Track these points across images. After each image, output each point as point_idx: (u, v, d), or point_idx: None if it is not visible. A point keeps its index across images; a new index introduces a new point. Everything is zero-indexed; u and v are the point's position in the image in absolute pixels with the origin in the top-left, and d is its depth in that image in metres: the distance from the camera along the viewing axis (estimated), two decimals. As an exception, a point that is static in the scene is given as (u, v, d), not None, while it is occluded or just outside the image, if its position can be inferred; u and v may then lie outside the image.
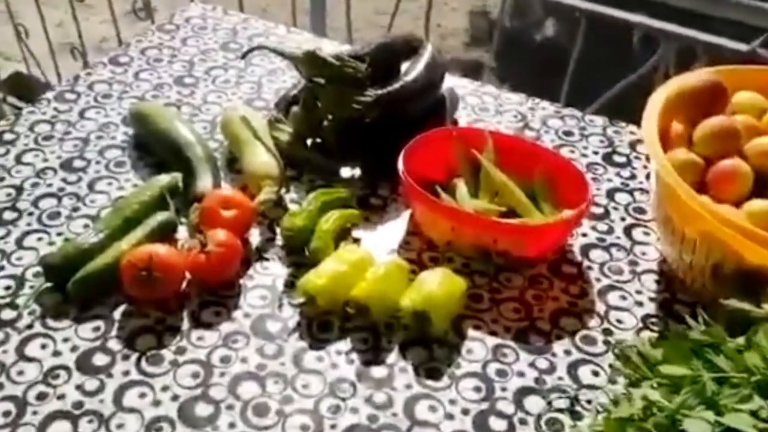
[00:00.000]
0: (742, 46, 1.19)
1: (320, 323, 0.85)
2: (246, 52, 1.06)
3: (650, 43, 1.35)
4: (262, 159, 1.00)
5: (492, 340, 0.85)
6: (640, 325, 0.87)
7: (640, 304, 0.89)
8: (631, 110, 1.41)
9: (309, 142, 1.07)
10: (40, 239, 0.94)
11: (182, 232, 0.95)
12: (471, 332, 0.86)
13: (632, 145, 1.13)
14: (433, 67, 1.09)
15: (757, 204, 0.81)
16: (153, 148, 1.06)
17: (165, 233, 0.92)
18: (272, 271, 0.91)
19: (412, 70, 1.08)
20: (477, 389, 0.80)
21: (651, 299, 0.90)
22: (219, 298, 0.87)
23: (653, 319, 0.88)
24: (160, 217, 0.92)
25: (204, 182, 0.98)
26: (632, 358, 0.71)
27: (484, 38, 3.40)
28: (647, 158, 1.10)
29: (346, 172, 1.06)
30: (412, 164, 0.96)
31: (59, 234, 0.95)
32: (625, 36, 1.47)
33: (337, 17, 2.16)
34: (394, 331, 0.85)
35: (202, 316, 0.85)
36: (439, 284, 0.84)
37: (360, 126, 1.04)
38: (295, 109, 1.06)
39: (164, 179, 0.96)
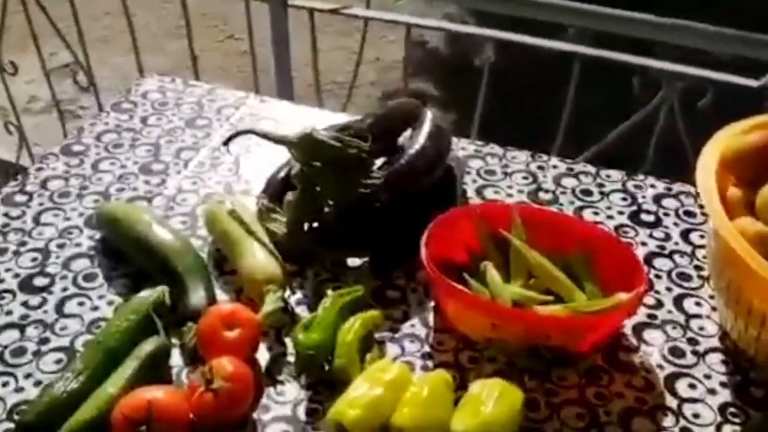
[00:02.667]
0: (752, 82, 1.13)
1: (359, 460, 0.72)
2: (229, 138, 0.92)
3: (649, 84, 1.28)
4: (261, 260, 0.87)
5: (560, 458, 0.73)
6: (719, 418, 0.76)
7: (713, 392, 0.79)
8: (632, 157, 1.34)
9: (306, 228, 0.94)
10: (5, 384, 0.78)
11: (176, 358, 0.81)
12: (535, 450, 0.74)
13: (657, 200, 1.04)
14: (438, 135, 0.98)
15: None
16: (128, 255, 0.91)
17: (157, 365, 0.77)
18: (289, 397, 0.78)
19: (415, 143, 0.96)
20: None
21: (723, 384, 0.80)
22: (234, 442, 0.73)
23: (732, 409, 0.77)
24: (150, 346, 0.77)
25: (197, 296, 0.83)
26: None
27: (424, 68, 3.35)
28: (677, 214, 1.01)
29: (352, 261, 0.94)
30: (431, 250, 0.84)
31: (27, 376, 0.79)
32: (621, 76, 1.41)
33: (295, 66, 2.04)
34: (447, 460, 0.72)
35: (217, 466, 0.71)
36: (495, 402, 0.71)
37: (366, 210, 0.91)
38: (289, 196, 0.93)
39: (148, 297, 0.82)
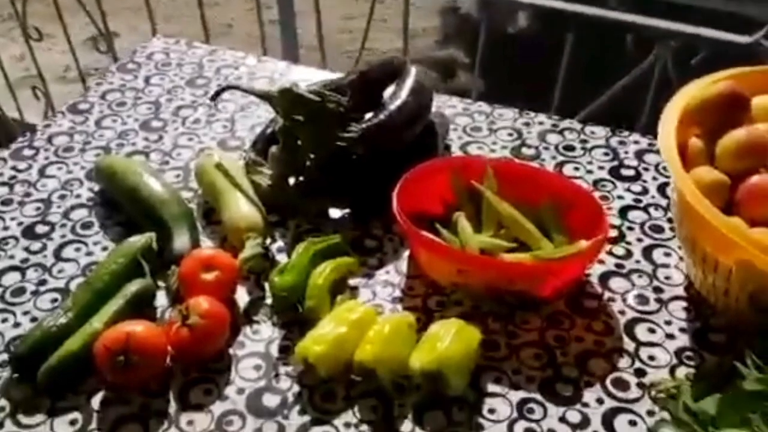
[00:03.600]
0: (745, 39, 1.12)
1: (323, 393, 0.77)
2: (215, 93, 0.97)
3: (644, 43, 1.28)
4: (243, 210, 0.91)
5: (515, 395, 0.76)
6: (675, 361, 0.79)
7: (671, 336, 0.82)
8: (627, 115, 1.34)
9: (291, 181, 0.99)
10: (4, 320, 0.84)
11: (161, 299, 0.86)
12: (491, 387, 0.77)
13: (639, 156, 1.05)
14: (419, 91, 1.01)
15: (794, 221, 0.73)
16: (122, 205, 0.97)
17: (142, 304, 0.83)
18: (264, 335, 0.83)
19: (396, 98, 0.99)
20: (505, 455, 0.71)
21: (682, 330, 0.82)
22: (208, 374, 0.78)
23: (688, 353, 0.80)
24: (135, 286, 0.83)
25: (181, 242, 0.88)
26: (680, 416, 0.64)
27: (456, 35, 3.33)
28: (657, 168, 1.03)
29: (334, 212, 0.98)
30: (406, 201, 0.88)
31: (25, 313, 0.85)
32: (616, 36, 1.40)
33: (306, 32, 2.07)
34: (406, 394, 0.76)
35: (191, 396, 0.76)
36: (451, 339, 0.75)
37: (346, 163, 0.95)
38: (273, 149, 0.97)
39: (136, 242, 0.87)
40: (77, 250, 0.93)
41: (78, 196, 1.01)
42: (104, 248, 0.93)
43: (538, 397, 0.76)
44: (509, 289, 0.83)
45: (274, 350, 0.81)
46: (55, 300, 0.86)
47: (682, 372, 0.78)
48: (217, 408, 0.75)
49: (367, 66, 1.04)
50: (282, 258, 0.91)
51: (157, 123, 1.14)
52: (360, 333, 0.78)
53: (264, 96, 0.96)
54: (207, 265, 0.83)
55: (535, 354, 0.80)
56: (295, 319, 0.83)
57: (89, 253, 0.92)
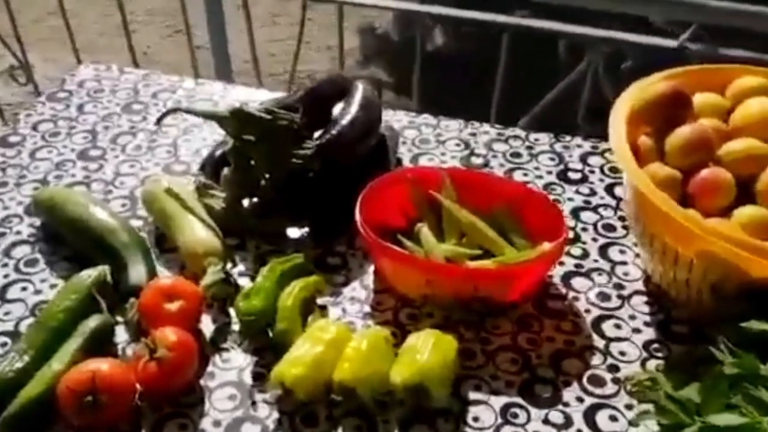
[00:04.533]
0: (671, 43, 1.18)
1: (303, 417, 0.75)
2: (161, 117, 0.94)
3: (576, 51, 1.32)
4: (199, 234, 0.89)
5: (497, 401, 0.76)
6: (644, 354, 0.81)
7: (637, 330, 0.84)
8: (561, 120, 1.39)
9: (246, 203, 0.96)
10: (-52, 371, 0.78)
11: (121, 335, 0.82)
12: (472, 395, 0.77)
13: (583, 159, 1.08)
14: (368, 106, 1.01)
15: (746, 212, 0.77)
16: (67, 238, 0.92)
17: (101, 341, 0.79)
18: (235, 363, 0.80)
19: (346, 113, 0.98)
20: (495, 462, 0.71)
21: (647, 324, 0.85)
22: (180, 408, 0.75)
23: (656, 345, 0.82)
24: (93, 322, 0.78)
25: (137, 272, 0.85)
26: (663, 404, 0.65)
27: (375, 54, 3.36)
28: (602, 170, 1.06)
29: (293, 232, 0.96)
30: (367, 214, 0.87)
31: (-28, 361, 0.80)
32: (548, 44, 1.45)
33: (231, 56, 2.04)
34: (389, 410, 0.75)
35: (165, 433, 0.73)
36: (430, 351, 0.75)
37: (302, 180, 0.94)
38: (226, 171, 0.95)
39: (89, 276, 0.83)
40: (23, 289, 0.87)
41: (18, 232, 0.95)
42: (52, 286, 0.88)
43: (520, 400, 0.77)
44: (477, 296, 0.83)
45: (248, 378, 0.78)
46: (5, 344, 0.81)
47: (652, 364, 0.80)
48: (195, 443, 0.72)
49: (314, 83, 1.03)
50: (244, 282, 0.89)
51: (95, 152, 1.09)
52: (336, 352, 0.76)
53: (213, 117, 0.93)
54: (169, 295, 0.80)
55: (511, 358, 0.81)
56: (266, 343, 0.81)
57: (37, 292, 0.87)
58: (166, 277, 0.85)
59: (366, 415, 0.75)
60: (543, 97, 1.34)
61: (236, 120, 0.91)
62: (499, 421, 0.75)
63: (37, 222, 0.96)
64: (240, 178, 0.94)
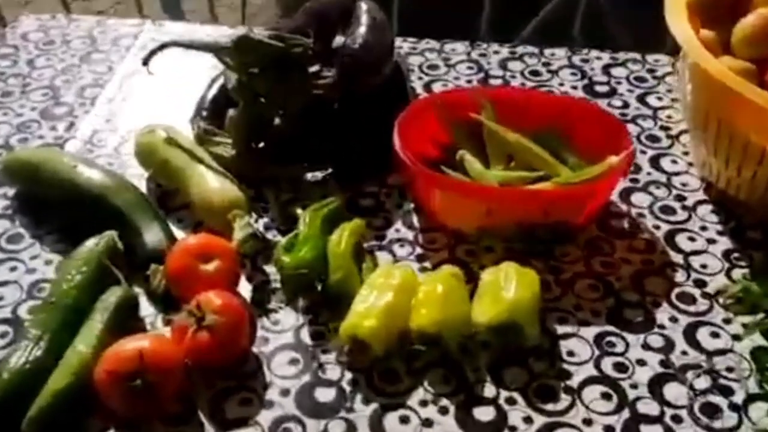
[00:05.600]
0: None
1: (381, 374, 0.65)
2: (150, 54, 0.80)
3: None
4: (216, 185, 0.76)
5: (588, 332, 0.69)
6: (727, 264, 0.75)
7: (712, 241, 0.78)
8: (563, 32, 1.31)
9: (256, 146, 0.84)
10: (-62, 375, 0.64)
11: (145, 308, 0.70)
12: (560, 329, 0.69)
13: (606, 71, 1.01)
14: (380, 28, 0.89)
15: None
16: (54, 206, 0.78)
17: (126, 316, 0.66)
18: (287, 324, 0.69)
19: (357, 37, 0.87)
20: (606, 396, 0.64)
21: (720, 233, 0.78)
22: (239, 381, 0.64)
23: (736, 254, 0.76)
24: (114, 296, 0.66)
25: (154, 235, 0.72)
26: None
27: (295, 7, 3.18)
28: (629, 80, 0.99)
29: (313, 174, 0.85)
30: (404, 147, 0.77)
31: (-32, 359, 0.66)
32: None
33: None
34: (474, 355, 0.66)
35: (227, 411, 0.62)
36: (515, 286, 0.66)
37: (322, 115, 0.82)
38: (231, 112, 0.82)
39: (97, 243, 0.70)
40: (13, 269, 0.73)
41: (-11, 206, 0.80)
42: (47, 262, 0.74)
43: (612, 328, 0.69)
44: (543, 222, 0.75)
45: (306, 338, 0.68)
46: (5, 334, 0.67)
47: (737, 274, 0.74)
48: (265, 418, 0.61)
49: (316, 3, 0.91)
50: (272, 235, 0.78)
51: (60, 109, 0.94)
52: (408, 298, 0.67)
53: (213, 49, 0.80)
54: (201, 255, 0.68)
55: (589, 285, 0.73)
56: (317, 298, 0.70)
57: (30, 270, 0.73)
58: (192, 236, 0.72)
59: (450, 363, 0.66)
60: (533, 11, 1.26)
61: (241, 51, 0.78)
62: (597, 352, 0.67)
63: (10, 192, 0.82)
64: (249, 118, 0.82)
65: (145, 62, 0.80)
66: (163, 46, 0.80)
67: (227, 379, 0.64)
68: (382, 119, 0.82)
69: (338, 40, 0.91)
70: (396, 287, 0.67)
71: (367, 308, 0.65)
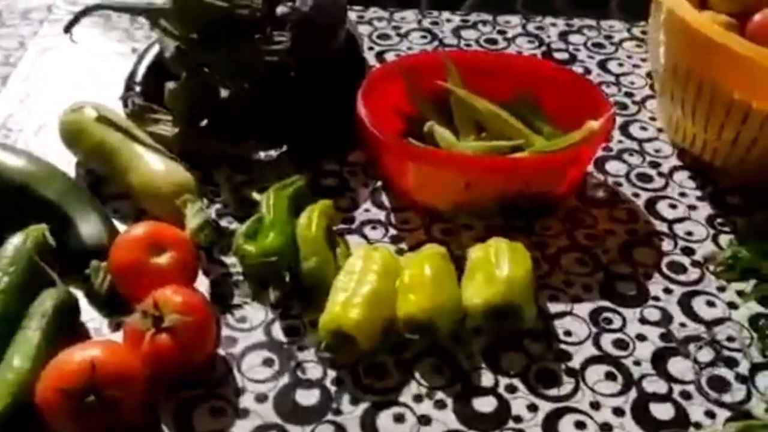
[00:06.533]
0: None
1: (367, 369, 0.58)
2: (73, 20, 0.69)
3: None
4: (161, 168, 0.67)
5: (582, 308, 0.64)
6: (712, 230, 0.72)
7: (693, 207, 0.74)
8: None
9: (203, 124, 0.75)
10: None
11: (88, 313, 0.60)
12: (552, 307, 0.64)
13: (563, 37, 0.96)
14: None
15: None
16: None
17: (66, 321, 0.57)
18: (255, 321, 0.61)
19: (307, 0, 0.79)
20: (610, 376, 0.59)
21: (699, 198, 0.75)
22: (207, 389, 0.56)
23: (719, 219, 0.73)
24: (51, 299, 0.56)
25: (92, 226, 0.62)
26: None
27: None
28: (586, 46, 0.95)
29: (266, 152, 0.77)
30: (367, 118, 0.70)
31: None
32: None
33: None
34: (465, 342, 0.61)
35: (197, 423, 0.53)
36: (509, 264, 0.60)
37: (276, 85, 0.74)
38: (171, 85, 0.73)
39: (25, 240, 0.59)
40: None
41: None
42: (-37, 263, 0.63)
43: (606, 303, 0.65)
44: (523, 194, 0.70)
45: (280, 335, 0.60)
46: None
47: (724, 240, 0.71)
48: (241, 428, 0.53)
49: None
50: (227, 222, 0.69)
51: (-38, 90, 0.82)
52: (391, 283, 0.60)
53: (147, 11, 0.70)
54: (152, 247, 0.59)
55: (577, 259, 0.69)
56: (287, 289, 0.62)
57: (-57, 275, 0.62)
58: (138, 225, 0.63)
59: (441, 352, 0.60)
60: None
61: (181, 13, 0.69)
62: (594, 329, 0.63)
63: None
64: (192, 91, 0.73)
65: (68, 29, 0.70)
66: (88, 10, 0.70)
67: (193, 387, 0.55)
68: (339, 90, 0.76)
69: (283, 6, 0.83)
70: (378, 272, 0.60)
71: (348, 298, 0.58)
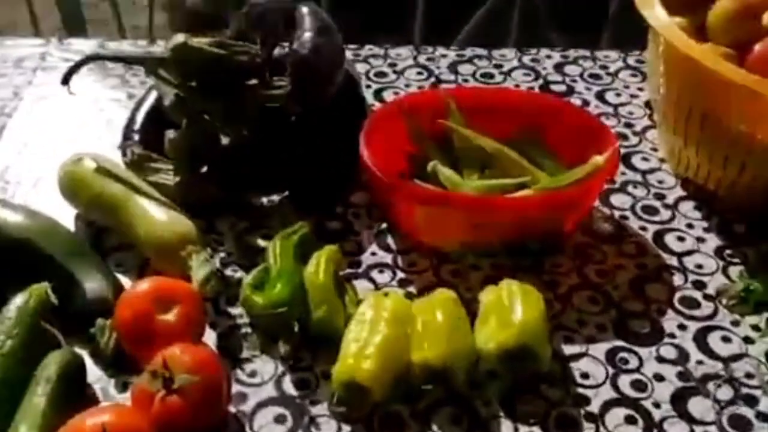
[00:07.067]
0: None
1: (383, 421, 0.57)
2: (71, 70, 0.68)
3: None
4: (164, 218, 0.66)
5: (597, 349, 0.63)
6: (721, 262, 0.71)
7: (701, 240, 0.74)
8: (493, 34, 1.26)
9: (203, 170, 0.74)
10: None
11: (94, 374, 0.59)
12: (567, 349, 0.63)
13: (558, 69, 0.97)
14: (327, 30, 0.81)
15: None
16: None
17: (73, 384, 0.55)
18: (266, 375, 0.60)
19: (305, 42, 0.78)
20: (630, 420, 0.58)
21: (706, 230, 0.75)
22: (219, 450, 0.54)
23: (728, 251, 0.73)
24: (57, 362, 0.54)
25: (96, 283, 0.61)
26: None
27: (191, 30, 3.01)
28: (583, 77, 0.95)
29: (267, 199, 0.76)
30: (371, 160, 0.70)
31: None
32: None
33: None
34: (482, 388, 0.59)
35: (210, 489, 0.52)
36: (522, 306, 0.59)
37: (277, 130, 0.74)
38: (170, 134, 0.72)
39: (27, 300, 0.58)
40: None
41: None
42: (-38, 326, 0.61)
43: (621, 343, 0.64)
44: (533, 233, 0.69)
45: (291, 389, 0.59)
46: None
47: (734, 271, 0.71)
48: (258, 491, 0.52)
49: (257, 7, 0.81)
50: (231, 272, 0.68)
51: (-42, 143, 0.81)
52: (404, 331, 0.59)
53: (145, 61, 0.70)
54: (158, 303, 0.58)
55: (589, 298, 0.68)
56: (297, 340, 0.61)
57: (-58, 339, 0.60)
58: (143, 281, 0.61)
59: (458, 400, 0.58)
60: (467, 14, 1.21)
61: (180, 61, 0.69)
62: (611, 371, 0.62)
63: None
64: (193, 139, 0.72)
65: (65, 80, 0.69)
66: (85, 61, 0.69)
67: (206, 447, 0.54)
68: (340, 132, 0.75)
69: (279, 49, 0.83)
70: (389, 320, 0.59)
71: (361, 348, 0.57)
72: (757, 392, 0.60)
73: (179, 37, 0.68)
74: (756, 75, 0.67)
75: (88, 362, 0.59)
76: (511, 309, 0.59)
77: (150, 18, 1.82)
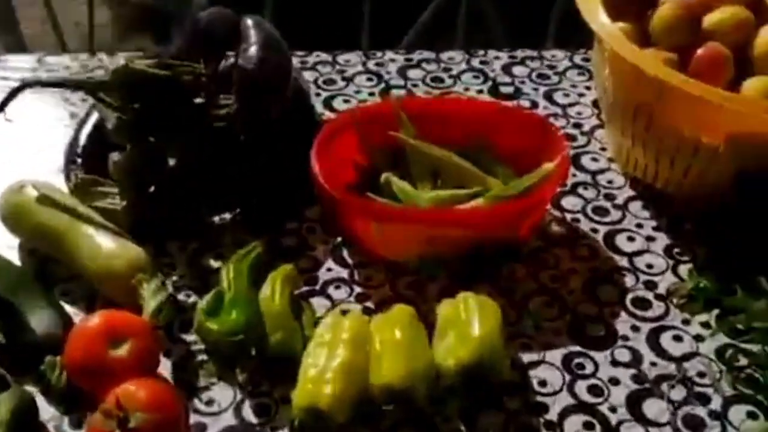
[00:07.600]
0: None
1: (345, 444, 0.57)
2: (8, 96, 0.65)
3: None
4: (112, 245, 0.64)
5: (554, 355, 0.64)
6: (671, 261, 0.73)
7: (650, 239, 0.75)
8: (439, 35, 1.26)
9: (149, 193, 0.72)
10: None
11: (46, 412, 0.57)
12: (525, 357, 0.64)
13: (507, 71, 0.97)
14: (273, 42, 0.80)
15: (755, 84, 0.70)
16: None
17: (26, 425, 0.54)
18: (224, 403, 0.59)
19: (251, 56, 0.76)
20: (588, 426, 0.59)
21: (656, 229, 0.76)
22: (179, 486, 0.54)
23: (677, 249, 0.74)
24: (7, 403, 0.53)
25: (44, 317, 0.59)
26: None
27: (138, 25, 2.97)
28: (531, 78, 0.95)
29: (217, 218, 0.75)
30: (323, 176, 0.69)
31: None
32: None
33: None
34: (443, 404, 0.60)
35: None
36: (480, 320, 0.60)
37: (225, 150, 0.72)
38: (115, 157, 0.70)
39: (-29, 340, 0.56)
40: None
41: None
42: None
43: (576, 348, 0.65)
44: (489, 242, 0.70)
45: (250, 416, 0.58)
46: None
47: (683, 270, 0.72)
48: None
49: (200, 22, 0.79)
50: (184, 296, 0.67)
51: None
52: (362, 352, 0.59)
53: (87, 85, 0.68)
54: (109, 337, 0.56)
55: (544, 302, 0.69)
56: (256, 366, 0.60)
57: None
58: (93, 315, 0.59)
59: (418, 419, 0.59)
60: (413, 16, 1.21)
61: (123, 85, 0.67)
62: (567, 377, 0.62)
63: None
64: (138, 162, 0.70)
65: (1, 108, 0.66)
66: (23, 87, 0.66)
67: (166, 484, 0.53)
68: (291, 146, 0.74)
69: (225, 62, 0.81)
70: (347, 341, 0.59)
71: (320, 372, 0.56)
72: (709, 390, 0.62)
73: (120, 60, 0.66)
74: (697, 79, 0.69)
75: (40, 400, 0.57)
76: (468, 323, 0.60)
77: (90, 15, 1.78)
